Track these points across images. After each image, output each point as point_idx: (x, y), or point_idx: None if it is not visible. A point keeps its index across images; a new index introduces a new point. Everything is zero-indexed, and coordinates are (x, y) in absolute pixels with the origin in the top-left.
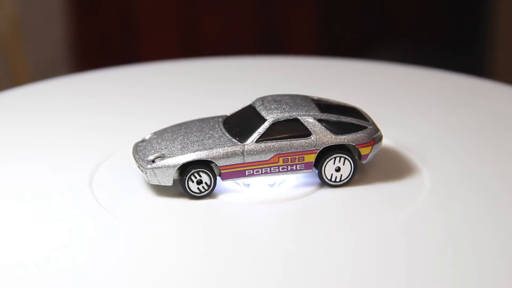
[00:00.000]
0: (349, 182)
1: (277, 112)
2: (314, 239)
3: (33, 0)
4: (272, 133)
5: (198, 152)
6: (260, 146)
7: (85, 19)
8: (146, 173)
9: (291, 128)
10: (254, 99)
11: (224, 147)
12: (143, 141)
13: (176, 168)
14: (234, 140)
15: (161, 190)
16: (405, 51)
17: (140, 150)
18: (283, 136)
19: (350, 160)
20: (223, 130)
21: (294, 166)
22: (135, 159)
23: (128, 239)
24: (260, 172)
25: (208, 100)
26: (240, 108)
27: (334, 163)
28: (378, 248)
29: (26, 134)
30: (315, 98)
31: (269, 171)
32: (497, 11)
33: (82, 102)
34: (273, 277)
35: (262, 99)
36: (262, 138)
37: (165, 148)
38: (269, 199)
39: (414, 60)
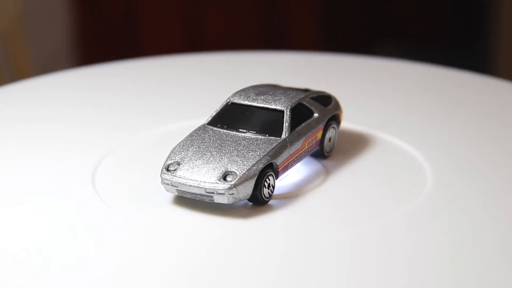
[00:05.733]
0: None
1: (284, 101)
2: (314, 235)
3: None
4: (292, 121)
5: (264, 157)
6: (294, 136)
7: (88, 14)
8: (228, 194)
9: (300, 113)
10: (228, 98)
11: (274, 146)
12: (168, 169)
13: (256, 178)
14: (271, 137)
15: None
16: (408, 48)
17: (187, 178)
18: (298, 121)
19: (336, 128)
20: (241, 133)
21: (311, 147)
22: (198, 187)
23: (130, 235)
24: (296, 161)
25: (210, 95)
26: (219, 110)
27: (329, 135)
28: (379, 244)
29: (28, 129)
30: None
31: (299, 158)
32: (500, 8)
33: (84, 96)
34: (273, 273)
35: (245, 95)
36: (290, 127)
37: (224, 165)
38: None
39: (416, 56)
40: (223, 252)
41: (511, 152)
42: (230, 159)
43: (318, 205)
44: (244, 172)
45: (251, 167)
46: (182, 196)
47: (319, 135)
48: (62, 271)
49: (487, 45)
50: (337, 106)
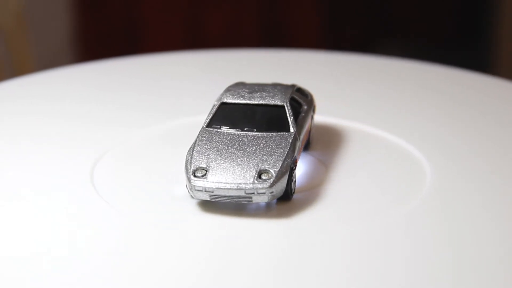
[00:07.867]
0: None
1: (280, 96)
2: (314, 234)
3: None
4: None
5: (289, 152)
6: (299, 128)
7: (90, 12)
8: (268, 193)
9: (293, 106)
10: (220, 99)
11: (291, 141)
12: (195, 176)
13: (288, 174)
14: (281, 133)
15: (163, 184)
16: (408, 48)
17: (222, 181)
18: (295, 114)
19: (313, 117)
20: (250, 131)
21: (307, 138)
22: (237, 189)
23: (129, 233)
24: (300, 154)
25: (210, 92)
26: (216, 112)
27: (312, 125)
28: (378, 244)
29: (27, 125)
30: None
31: (302, 151)
32: (501, 7)
33: (84, 93)
34: (272, 272)
35: (237, 94)
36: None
37: (255, 165)
38: None
39: (416, 56)
40: (223, 251)
41: (511, 152)
42: (257, 158)
43: (317, 203)
44: (278, 169)
45: (283, 163)
46: (212, 201)
47: (309, 125)
48: (61, 269)
49: (488, 45)
50: (312, 97)
